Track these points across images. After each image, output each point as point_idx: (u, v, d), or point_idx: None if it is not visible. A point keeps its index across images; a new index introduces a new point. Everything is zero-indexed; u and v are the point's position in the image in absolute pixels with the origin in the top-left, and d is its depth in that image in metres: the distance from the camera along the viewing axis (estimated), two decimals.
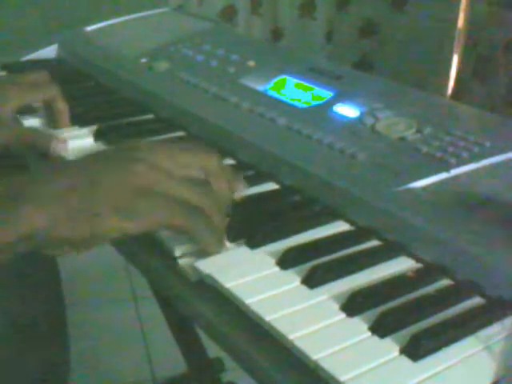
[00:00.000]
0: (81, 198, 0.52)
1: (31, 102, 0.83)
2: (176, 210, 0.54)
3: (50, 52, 1.12)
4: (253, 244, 0.59)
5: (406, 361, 0.46)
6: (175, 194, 0.55)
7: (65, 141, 0.76)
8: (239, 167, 0.75)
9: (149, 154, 0.56)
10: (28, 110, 0.85)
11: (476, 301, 0.53)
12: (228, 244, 0.59)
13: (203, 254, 0.57)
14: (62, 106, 0.82)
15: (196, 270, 0.55)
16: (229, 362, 1.40)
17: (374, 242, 0.60)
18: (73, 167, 0.57)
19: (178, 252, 0.57)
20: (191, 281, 0.56)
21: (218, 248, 0.57)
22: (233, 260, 0.57)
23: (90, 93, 0.98)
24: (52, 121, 0.83)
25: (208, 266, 0.55)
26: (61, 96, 0.82)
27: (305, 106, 0.81)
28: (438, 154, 0.67)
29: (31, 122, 0.84)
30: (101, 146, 0.79)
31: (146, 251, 0.62)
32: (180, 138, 0.82)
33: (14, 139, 0.75)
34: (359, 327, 0.49)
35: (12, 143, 0.75)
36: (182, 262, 0.57)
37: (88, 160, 0.57)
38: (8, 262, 0.52)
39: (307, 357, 0.46)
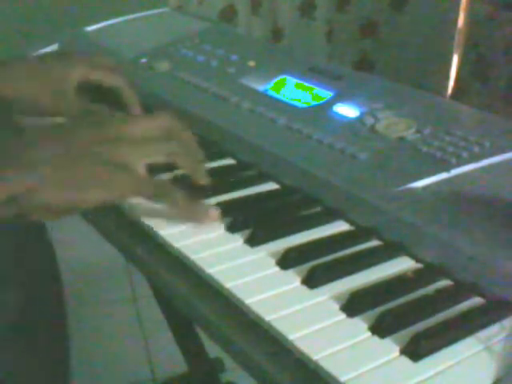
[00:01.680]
0: (67, 167, 0.56)
1: (95, 81, 0.81)
2: (146, 180, 0.60)
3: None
4: (253, 243, 0.59)
5: (406, 361, 0.46)
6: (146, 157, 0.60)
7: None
8: (239, 167, 0.75)
9: (117, 128, 0.61)
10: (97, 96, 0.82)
11: (476, 301, 0.53)
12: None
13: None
14: (133, 96, 0.82)
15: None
16: (229, 362, 1.41)
17: (374, 242, 0.61)
18: (59, 134, 0.60)
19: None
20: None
21: (200, 215, 0.61)
22: (232, 259, 0.57)
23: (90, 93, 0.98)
24: (120, 109, 0.81)
25: (208, 263, 0.56)
26: (131, 85, 0.81)
27: (305, 105, 0.81)
28: (438, 154, 0.66)
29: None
30: None
31: (146, 251, 0.62)
32: None
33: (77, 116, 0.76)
34: (359, 327, 0.49)
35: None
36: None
37: (70, 130, 0.61)
38: None
39: (307, 357, 0.46)
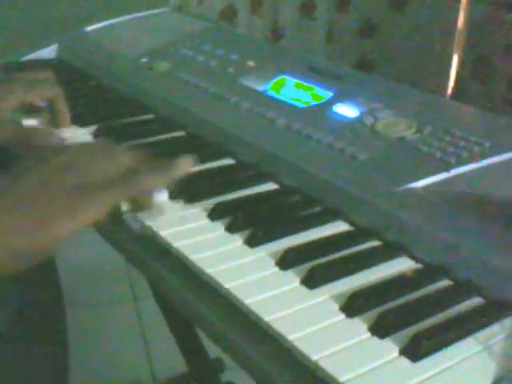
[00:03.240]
0: (29, 208, 0.52)
1: (32, 101, 0.82)
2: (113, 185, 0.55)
3: (49, 52, 1.12)
4: (252, 244, 0.59)
5: (405, 361, 0.46)
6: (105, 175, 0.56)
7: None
8: (239, 167, 0.75)
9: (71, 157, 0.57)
10: (32, 110, 0.84)
11: (476, 301, 0.53)
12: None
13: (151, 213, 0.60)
14: (63, 107, 0.82)
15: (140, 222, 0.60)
16: (229, 362, 1.41)
17: (374, 242, 0.60)
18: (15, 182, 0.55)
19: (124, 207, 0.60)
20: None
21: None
22: (232, 260, 0.57)
23: (90, 93, 0.98)
24: (53, 121, 0.83)
25: (207, 263, 0.56)
26: (62, 96, 0.82)
27: (305, 105, 0.81)
28: (438, 154, 0.66)
29: (31, 122, 0.84)
30: None
31: (146, 251, 0.62)
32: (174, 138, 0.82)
33: (11, 137, 0.75)
34: (359, 328, 0.49)
35: (9, 141, 0.75)
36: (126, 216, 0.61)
37: (26, 173, 0.56)
38: None
39: (307, 357, 0.46)
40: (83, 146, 0.62)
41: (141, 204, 0.59)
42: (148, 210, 0.60)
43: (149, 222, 0.62)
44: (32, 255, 0.53)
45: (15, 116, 0.82)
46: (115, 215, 0.61)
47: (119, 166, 0.57)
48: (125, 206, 0.62)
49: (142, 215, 0.62)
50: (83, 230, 0.54)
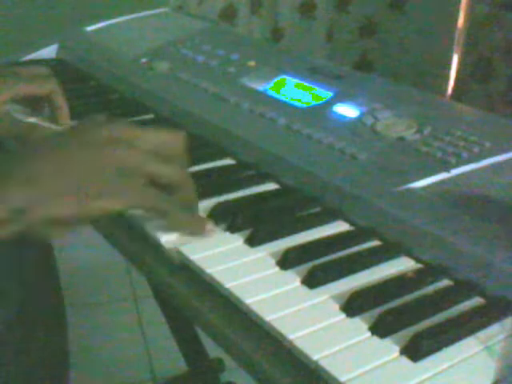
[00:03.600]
0: (67, 179, 0.54)
1: (26, 95, 0.81)
2: (150, 191, 0.57)
3: (50, 52, 1.12)
4: (253, 243, 0.59)
5: (406, 361, 0.46)
6: (147, 170, 0.57)
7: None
8: (239, 167, 0.75)
9: (118, 132, 0.59)
10: (31, 106, 0.84)
11: (476, 301, 0.53)
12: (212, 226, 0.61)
13: (188, 238, 0.59)
14: (60, 101, 0.82)
15: (180, 254, 0.58)
16: (229, 362, 1.41)
17: (374, 242, 0.60)
18: (56, 148, 0.58)
19: (163, 238, 0.59)
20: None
21: (198, 227, 0.60)
22: (232, 259, 0.57)
23: (90, 93, 0.98)
24: (52, 117, 0.82)
25: (208, 263, 0.56)
26: (60, 90, 0.81)
27: (305, 106, 0.81)
28: (438, 154, 0.66)
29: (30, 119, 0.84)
30: None
31: (145, 251, 0.62)
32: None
33: (6, 131, 0.75)
34: (359, 327, 0.49)
35: (5, 135, 0.75)
36: (167, 246, 0.59)
37: (69, 141, 0.59)
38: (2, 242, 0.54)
39: (307, 357, 0.46)
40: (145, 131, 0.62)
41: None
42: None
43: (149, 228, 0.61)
44: (67, 225, 0.56)
45: (14, 113, 0.82)
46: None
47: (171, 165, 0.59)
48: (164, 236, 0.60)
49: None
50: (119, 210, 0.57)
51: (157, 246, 0.60)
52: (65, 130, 0.64)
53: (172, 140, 0.61)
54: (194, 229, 0.60)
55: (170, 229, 0.60)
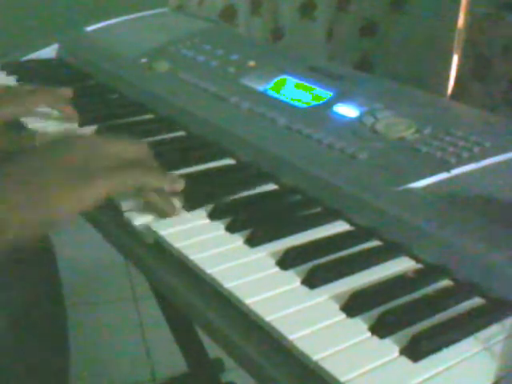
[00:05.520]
0: (32, 188, 0.57)
1: (23, 113, 0.84)
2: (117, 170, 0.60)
3: (50, 52, 1.12)
4: (253, 243, 0.59)
5: (406, 361, 0.46)
6: (110, 151, 0.62)
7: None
8: (239, 167, 0.75)
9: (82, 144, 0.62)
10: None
11: (476, 301, 0.53)
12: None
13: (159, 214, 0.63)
14: (68, 112, 0.85)
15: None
16: (229, 362, 1.41)
17: (374, 242, 0.60)
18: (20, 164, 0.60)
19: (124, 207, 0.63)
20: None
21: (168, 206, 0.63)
22: (232, 259, 0.57)
23: (90, 93, 0.99)
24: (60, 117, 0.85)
25: (208, 263, 0.56)
26: (64, 102, 0.84)
27: (305, 106, 0.81)
28: (438, 154, 0.66)
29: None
30: None
31: (145, 251, 0.62)
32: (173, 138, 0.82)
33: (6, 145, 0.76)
34: (359, 328, 0.49)
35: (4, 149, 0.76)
36: (127, 214, 0.62)
37: (35, 155, 0.61)
38: None
39: (307, 357, 0.46)
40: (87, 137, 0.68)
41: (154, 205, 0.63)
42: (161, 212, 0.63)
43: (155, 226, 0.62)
44: (42, 228, 0.59)
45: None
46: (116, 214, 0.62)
47: (126, 153, 0.63)
48: (125, 205, 0.63)
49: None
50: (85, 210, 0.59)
51: (157, 244, 0.60)
52: (39, 147, 0.67)
53: (135, 148, 0.64)
54: (165, 207, 0.63)
55: (144, 208, 0.63)
